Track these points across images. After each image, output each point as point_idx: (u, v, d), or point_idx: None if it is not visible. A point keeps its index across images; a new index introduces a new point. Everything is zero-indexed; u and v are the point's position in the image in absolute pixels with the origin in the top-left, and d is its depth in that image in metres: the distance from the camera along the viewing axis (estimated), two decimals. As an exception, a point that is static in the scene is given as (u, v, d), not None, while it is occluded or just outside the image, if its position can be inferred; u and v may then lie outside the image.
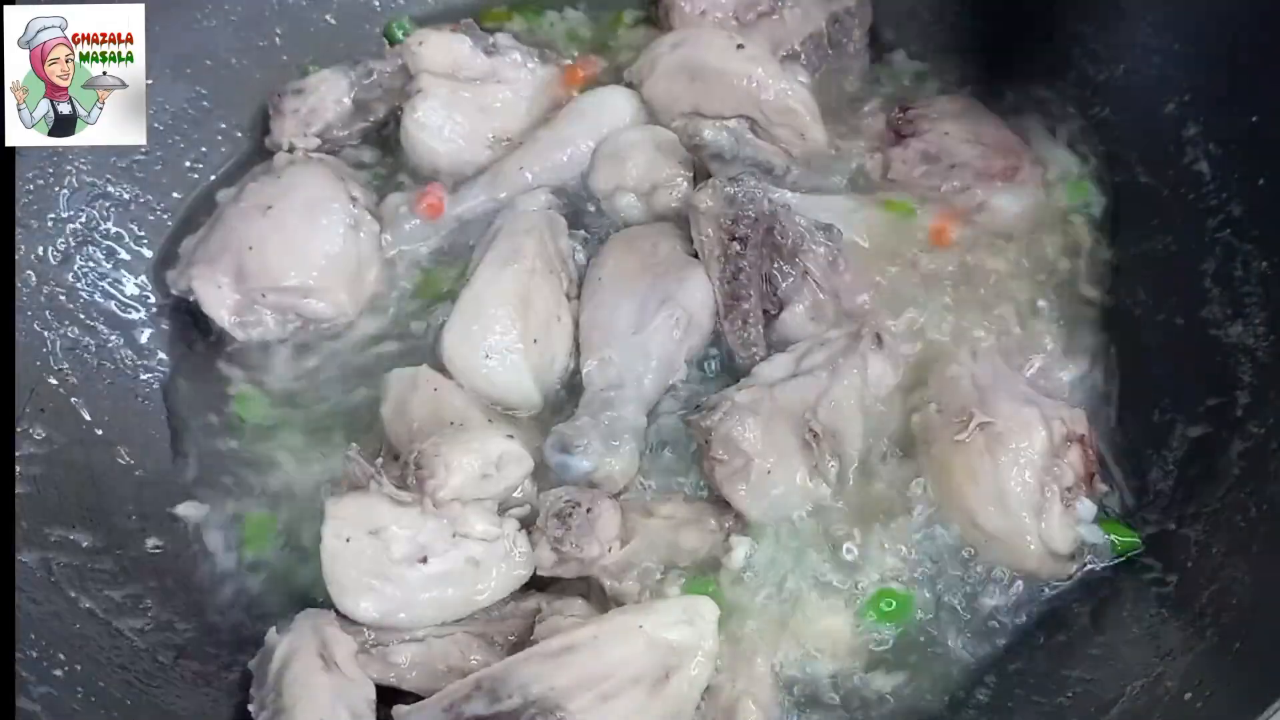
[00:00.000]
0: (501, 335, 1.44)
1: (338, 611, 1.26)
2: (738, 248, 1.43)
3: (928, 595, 1.34)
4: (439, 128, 1.71)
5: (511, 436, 1.34)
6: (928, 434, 1.39)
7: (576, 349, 1.51)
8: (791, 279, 1.46)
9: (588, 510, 1.31)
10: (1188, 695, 1.14)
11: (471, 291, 1.47)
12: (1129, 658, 1.23)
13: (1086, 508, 1.34)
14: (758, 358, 1.45)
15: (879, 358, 1.41)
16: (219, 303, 1.55)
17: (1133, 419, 1.47)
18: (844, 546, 1.35)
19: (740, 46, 1.67)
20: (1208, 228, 1.46)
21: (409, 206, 1.66)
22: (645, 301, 1.47)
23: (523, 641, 1.26)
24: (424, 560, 1.24)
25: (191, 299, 1.55)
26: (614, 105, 1.72)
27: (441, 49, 1.76)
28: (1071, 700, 1.23)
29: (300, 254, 1.56)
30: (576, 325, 1.52)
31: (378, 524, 1.24)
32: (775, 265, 1.46)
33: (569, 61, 1.85)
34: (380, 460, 1.35)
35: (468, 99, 1.73)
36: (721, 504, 1.36)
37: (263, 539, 1.45)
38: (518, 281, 1.46)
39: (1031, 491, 1.31)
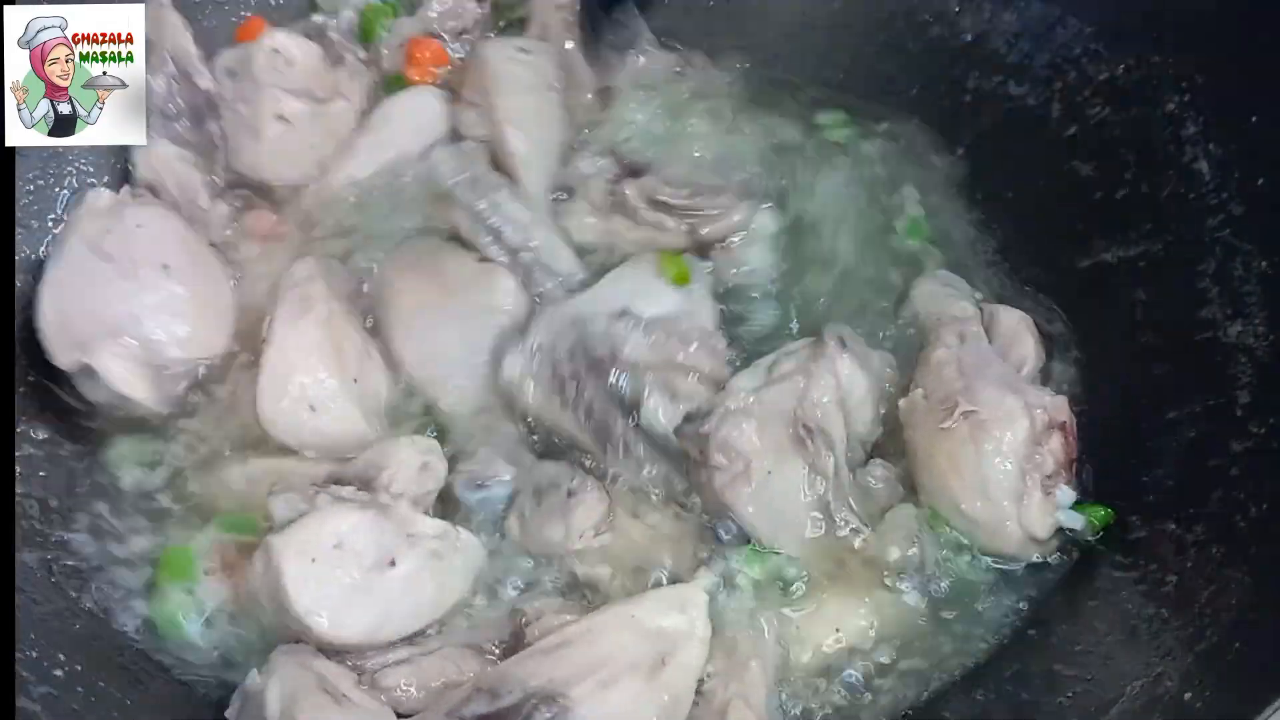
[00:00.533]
0: (321, 384, 1.40)
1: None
2: (575, 387, 1.39)
3: (922, 596, 1.35)
4: (291, 157, 1.64)
5: None
6: (913, 418, 1.41)
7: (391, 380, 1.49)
8: (629, 379, 1.41)
9: (569, 494, 1.32)
10: (1188, 695, 1.13)
11: (275, 350, 1.41)
12: (1129, 658, 1.23)
13: (1065, 494, 1.35)
14: (653, 469, 1.41)
15: (847, 360, 1.40)
16: (135, 385, 1.42)
17: (1132, 419, 1.46)
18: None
19: (523, 50, 1.67)
20: (1207, 227, 1.45)
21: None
22: (465, 323, 1.47)
23: (513, 646, 1.25)
24: (393, 563, 1.23)
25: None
26: (422, 106, 1.69)
27: (301, 64, 1.64)
28: (1071, 700, 1.22)
29: (219, 318, 1.51)
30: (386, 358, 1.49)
31: (337, 536, 1.22)
32: (611, 378, 1.40)
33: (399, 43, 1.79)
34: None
35: (320, 122, 1.66)
36: (707, 531, 1.37)
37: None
38: (320, 328, 1.42)
39: (1013, 479, 1.32)
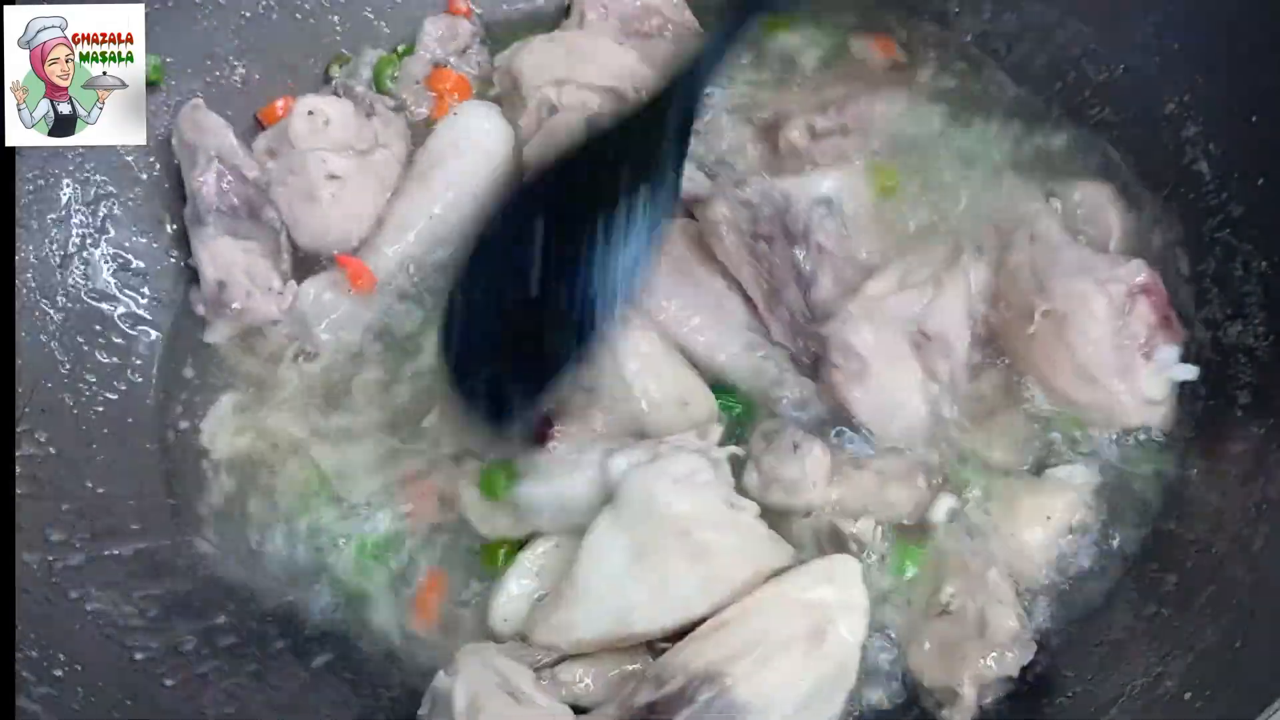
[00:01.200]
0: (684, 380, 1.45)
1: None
2: (765, 246, 1.45)
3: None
4: (351, 215, 1.64)
5: None
6: (1006, 331, 1.44)
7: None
8: (812, 258, 1.48)
9: (795, 445, 1.36)
10: (1188, 695, 1.14)
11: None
12: (1129, 657, 1.24)
13: (1168, 354, 1.38)
14: (807, 351, 1.47)
15: (981, 265, 1.46)
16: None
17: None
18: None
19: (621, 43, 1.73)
20: (1207, 228, 1.46)
21: (336, 291, 1.59)
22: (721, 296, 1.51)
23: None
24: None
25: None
26: (483, 128, 1.68)
27: (337, 120, 1.65)
28: (1071, 700, 1.23)
29: None
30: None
31: (691, 471, 1.28)
32: (795, 250, 1.48)
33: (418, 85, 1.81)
34: None
35: (369, 173, 1.66)
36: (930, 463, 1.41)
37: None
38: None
39: (1111, 357, 1.36)
